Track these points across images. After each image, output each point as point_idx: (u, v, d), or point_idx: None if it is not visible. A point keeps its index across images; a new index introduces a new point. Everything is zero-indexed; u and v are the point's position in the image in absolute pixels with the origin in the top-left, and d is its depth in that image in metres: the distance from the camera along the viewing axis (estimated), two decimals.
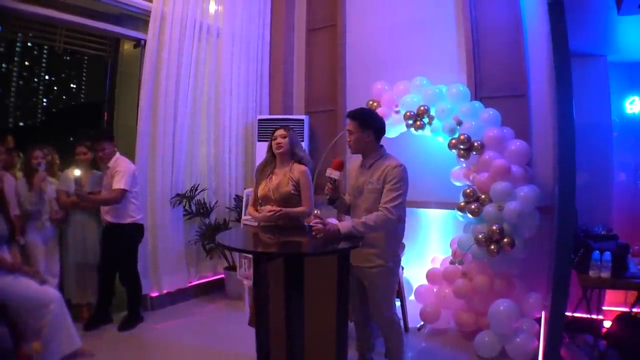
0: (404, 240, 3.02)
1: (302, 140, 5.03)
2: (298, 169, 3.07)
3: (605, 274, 3.09)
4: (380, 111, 4.13)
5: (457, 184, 4.09)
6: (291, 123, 4.93)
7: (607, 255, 3.14)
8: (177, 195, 4.59)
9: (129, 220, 3.88)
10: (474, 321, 3.74)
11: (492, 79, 4.26)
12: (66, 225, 3.95)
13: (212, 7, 5.02)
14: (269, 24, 5.62)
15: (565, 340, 3.47)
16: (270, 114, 5.55)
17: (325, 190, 2.82)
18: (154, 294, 4.43)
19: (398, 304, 3.64)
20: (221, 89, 5.06)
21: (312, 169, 3.25)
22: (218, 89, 5.06)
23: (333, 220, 3.08)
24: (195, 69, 4.78)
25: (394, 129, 4.24)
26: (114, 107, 5.47)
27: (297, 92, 5.63)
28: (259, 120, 5.18)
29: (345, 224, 2.59)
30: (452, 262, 3.87)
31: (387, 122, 3.34)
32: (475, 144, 3.73)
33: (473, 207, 3.67)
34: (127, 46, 5.34)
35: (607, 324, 3.47)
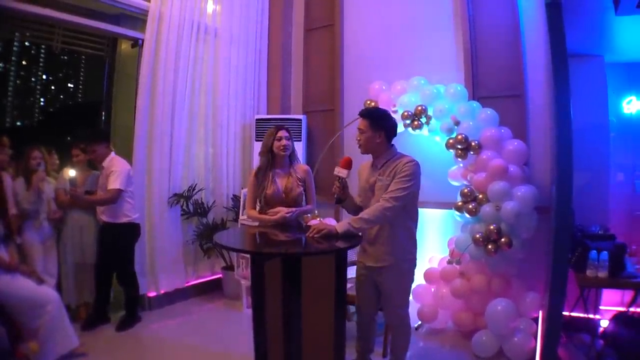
0: None
1: (300, 140, 5.04)
2: (301, 169, 3.12)
3: (603, 274, 3.10)
4: None
5: (455, 183, 4.10)
6: (289, 123, 4.94)
7: (604, 255, 3.14)
8: (175, 195, 4.58)
9: (124, 220, 3.87)
10: (472, 321, 3.74)
11: (490, 79, 4.26)
12: (64, 225, 3.94)
13: (210, 7, 5.02)
14: (267, 24, 5.62)
15: (563, 339, 3.48)
16: (268, 113, 5.54)
17: (333, 189, 2.73)
18: (152, 294, 4.43)
19: None
20: (219, 89, 5.05)
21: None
22: (216, 89, 5.05)
23: (331, 221, 3.09)
24: (193, 68, 4.77)
25: None
26: (111, 106, 5.47)
27: (295, 92, 5.63)
28: (257, 119, 5.18)
29: (342, 223, 2.55)
30: (449, 262, 3.87)
31: None
32: (473, 143, 3.74)
33: (470, 206, 3.68)
34: (124, 46, 5.34)
35: (605, 323, 3.47)
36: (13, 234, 3.26)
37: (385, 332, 3.37)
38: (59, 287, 3.74)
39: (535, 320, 3.55)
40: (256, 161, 3.33)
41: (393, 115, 4.14)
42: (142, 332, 3.89)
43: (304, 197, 3.12)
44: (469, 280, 3.73)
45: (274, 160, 3.08)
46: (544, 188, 3.73)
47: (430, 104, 4.02)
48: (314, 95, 5.44)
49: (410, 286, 2.85)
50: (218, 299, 4.80)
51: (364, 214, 2.55)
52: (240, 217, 4.59)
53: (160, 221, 4.47)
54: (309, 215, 3.76)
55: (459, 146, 3.79)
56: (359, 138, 2.71)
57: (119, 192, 3.75)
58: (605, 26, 3.64)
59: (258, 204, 3.11)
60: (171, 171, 4.57)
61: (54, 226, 3.87)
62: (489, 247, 3.45)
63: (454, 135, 3.85)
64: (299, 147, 5.06)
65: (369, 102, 4.39)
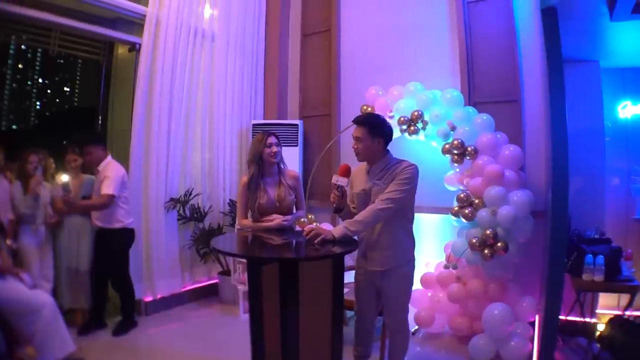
0: None
1: (297, 146, 5.04)
2: (291, 175, 3.08)
3: (599, 278, 3.12)
4: None
5: (451, 188, 4.10)
6: (285, 128, 4.95)
7: (600, 258, 3.16)
8: (171, 199, 4.57)
9: (118, 225, 3.86)
10: (468, 325, 3.75)
11: (486, 85, 4.27)
12: (61, 230, 3.92)
13: (207, 12, 5.03)
14: (264, 29, 5.63)
15: (559, 343, 3.49)
16: (264, 118, 5.54)
17: (331, 198, 2.69)
18: (148, 299, 4.41)
19: None
20: (216, 94, 5.05)
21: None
22: (213, 94, 5.05)
23: (327, 226, 3.08)
24: (189, 73, 4.77)
25: None
26: (108, 111, 5.45)
27: (292, 97, 5.63)
28: (254, 125, 5.18)
29: (338, 228, 2.53)
30: (446, 267, 3.87)
31: None
32: (469, 149, 3.75)
33: (467, 211, 3.68)
34: (121, 50, 5.33)
35: (601, 327, 3.49)
36: (6, 237, 3.24)
37: (382, 337, 3.37)
38: (54, 292, 3.72)
39: (532, 324, 3.55)
40: None
41: (389, 120, 4.18)
42: (138, 337, 3.88)
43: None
44: (465, 284, 3.73)
45: (263, 167, 2.98)
46: (540, 193, 3.74)
47: (426, 109, 4.03)
48: (311, 101, 5.45)
49: (411, 290, 2.83)
50: (215, 304, 4.78)
51: (359, 217, 2.52)
52: (236, 226, 4.59)
53: (157, 226, 4.45)
54: (304, 220, 3.76)
55: (455, 151, 3.80)
56: (356, 146, 2.64)
57: (111, 198, 3.73)
58: (600, 32, 3.67)
59: (250, 213, 3.04)
60: (168, 176, 4.56)
61: (50, 231, 3.85)
62: (486, 251, 3.45)
63: (450, 141, 3.86)
64: (296, 153, 5.07)
65: (365, 107, 4.40)
